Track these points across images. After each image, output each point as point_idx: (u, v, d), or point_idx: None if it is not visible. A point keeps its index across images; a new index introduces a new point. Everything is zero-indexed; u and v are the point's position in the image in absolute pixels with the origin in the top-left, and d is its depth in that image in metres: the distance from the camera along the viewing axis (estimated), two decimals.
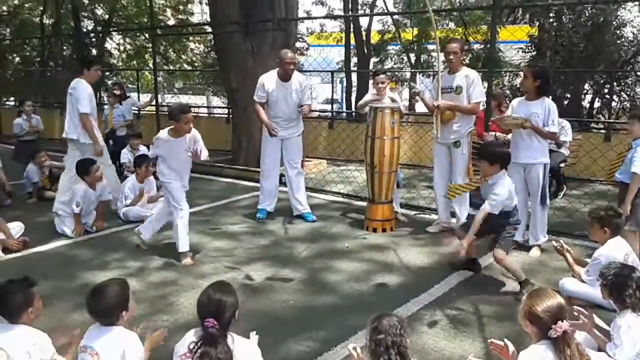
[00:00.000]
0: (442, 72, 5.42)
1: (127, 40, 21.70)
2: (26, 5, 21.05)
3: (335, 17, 21.93)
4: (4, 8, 20.04)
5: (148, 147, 8.42)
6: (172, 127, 4.82)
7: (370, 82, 6.41)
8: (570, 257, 4.11)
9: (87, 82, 6.01)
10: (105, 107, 9.11)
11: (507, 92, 13.01)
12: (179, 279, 4.54)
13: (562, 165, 7.21)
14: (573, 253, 4.18)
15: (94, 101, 6.11)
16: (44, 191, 7.21)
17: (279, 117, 6.01)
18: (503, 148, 4.44)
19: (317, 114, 14.27)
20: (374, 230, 5.75)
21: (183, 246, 4.94)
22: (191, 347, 2.41)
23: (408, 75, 19.45)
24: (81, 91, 5.92)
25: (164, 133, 4.87)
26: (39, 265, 4.90)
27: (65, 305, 4.01)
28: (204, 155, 4.97)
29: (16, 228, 5.39)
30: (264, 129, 6.07)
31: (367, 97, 6.18)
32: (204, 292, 2.56)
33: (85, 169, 5.72)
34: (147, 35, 18.60)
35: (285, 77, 5.92)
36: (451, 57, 5.31)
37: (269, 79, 5.98)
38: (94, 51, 19.84)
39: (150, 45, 16.74)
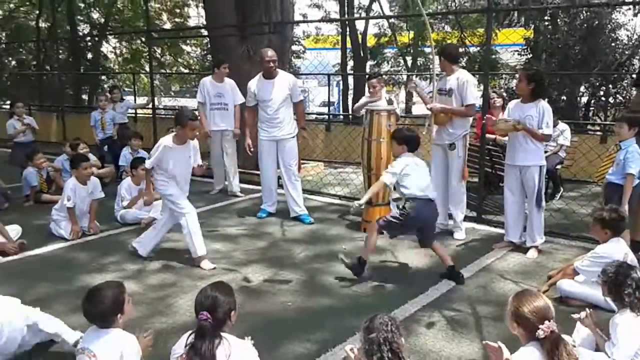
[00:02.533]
0: (438, 74, 5.45)
1: (124, 43, 21.71)
2: (22, 9, 21.05)
3: (331, 21, 22.05)
4: (0, 12, 20.03)
5: (148, 151, 8.47)
6: (175, 133, 4.68)
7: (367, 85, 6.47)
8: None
9: None
10: (95, 112, 9.03)
11: (504, 94, 13.06)
12: (177, 281, 4.54)
13: (558, 167, 7.24)
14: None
15: None
16: (42, 194, 7.19)
17: (269, 115, 6.04)
18: (414, 133, 4.66)
19: (314, 116, 14.30)
20: None
21: (200, 249, 4.81)
22: (187, 345, 2.43)
23: (405, 77, 19.51)
24: None
25: (167, 139, 4.68)
26: (36, 268, 4.90)
27: (63, 307, 3.99)
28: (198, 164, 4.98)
29: (14, 231, 5.38)
30: (259, 131, 6.14)
31: (363, 99, 6.24)
32: (202, 290, 2.58)
33: (76, 163, 5.81)
34: (143, 38, 18.60)
35: (268, 75, 6.02)
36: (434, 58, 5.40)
37: (254, 82, 6.15)
38: (89, 55, 19.86)
39: (146, 48, 16.78)
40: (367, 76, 7.48)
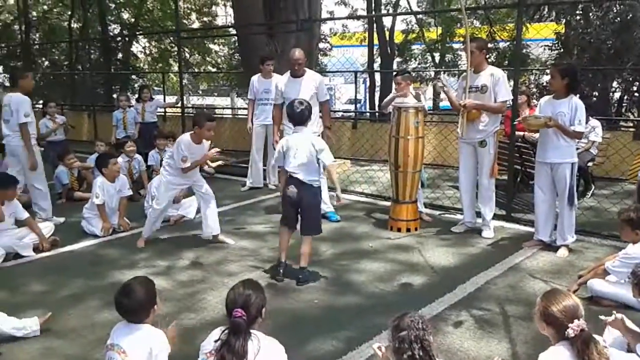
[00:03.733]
0: (468, 70, 5.38)
1: (153, 43, 22.00)
2: (55, 10, 21.51)
3: (358, 18, 21.90)
4: (34, 13, 20.48)
5: None
6: (193, 132, 5.05)
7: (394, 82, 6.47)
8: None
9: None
10: (117, 111, 9.16)
11: (534, 90, 12.85)
12: (205, 278, 4.59)
13: (590, 164, 7.10)
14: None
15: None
16: (73, 192, 7.36)
17: None
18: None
19: (340, 114, 14.29)
20: (399, 230, 5.74)
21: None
22: (217, 342, 2.45)
23: (432, 74, 19.34)
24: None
25: (186, 137, 5.05)
26: (69, 264, 5.02)
27: (95, 303, 4.09)
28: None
29: (47, 228, 5.51)
30: (285, 129, 6.17)
31: (390, 96, 6.22)
32: (234, 287, 2.59)
33: (103, 161, 5.94)
34: (172, 38, 18.82)
35: (295, 74, 6.08)
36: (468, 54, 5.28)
37: (282, 80, 6.25)
38: (119, 54, 20.17)
39: (175, 48, 16.97)
40: (394, 73, 7.46)
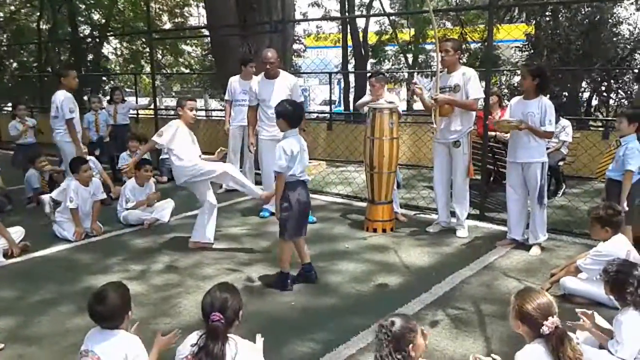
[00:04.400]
0: (440, 71, 5.43)
1: (124, 44, 21.72)
2: (22, 10, 21.07)
3: (332, 19, 22.01)
4: (1, 14, 20.05)
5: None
6: (181, 116, 5.21)
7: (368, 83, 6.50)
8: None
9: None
10: (88, 113, 9.04)
11: (505, 90, 13.05)
12: (181, 281, 4.54)
13: (560, 163, 7.23)
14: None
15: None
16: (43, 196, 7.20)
17: (270, 115, 6.07)
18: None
19: (315, 115, 14.29)
20: (374, 230, 5.77)
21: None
22: (193, 347, 2.43)
23: (406, 75, 19.47)
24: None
25: (174, 121, 5.18)
26: (40, 269, 4.91)
27: (67, 308, 4.01)
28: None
29: (17, 233, 5.38)
30: (260, 130, 6.18)
31: (365, 98, 6.25)
32: (210, 291, 2.57)
33: (75, 166, 5.88)
34: (144, 39, 18.61)
35: (268, 75, 6.06)
36: (442, 54, 5.33)
37: (255, 81, 6.22)
38: (90, 56, 19.85)
39: (147, 49, 16.78)
40: (368, 74, 7.50)
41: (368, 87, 6.44)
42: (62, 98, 6.61)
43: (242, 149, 7.59)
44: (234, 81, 7.61)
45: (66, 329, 3.70)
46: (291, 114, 4.26)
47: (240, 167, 7.78)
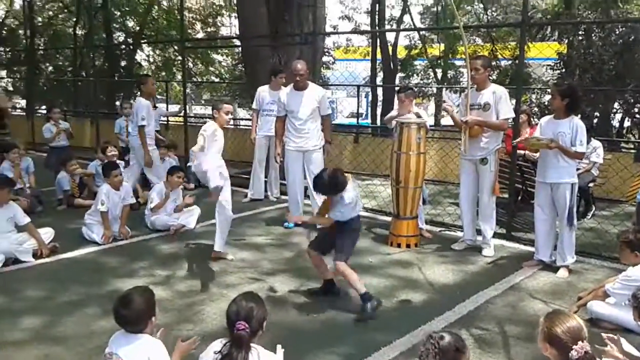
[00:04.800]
0: (470, 88, 5.41)
1: (157, 52, 22.10)
2: (60, 16, 21.62)
3: (361, 32, 22.08)
4: (39, 19, 20.59)
5: (179, 158, 8.62)
6: (216, 118, 5.14)
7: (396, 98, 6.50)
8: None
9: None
10: (120, 119, 9.12)
11: (536, 109, 12.90)
12: (205, 288, 4.58)
13: (590, 185, 7.11)
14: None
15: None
16: (74, 199, 7.35)
17: (297, 126, 6.11)
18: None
19: (342, 128, 14.30)
20: (399, 245, 5.74)
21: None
22: (217, 355, 2.44)
23: (434, 90, 19.41)
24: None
25: (209, 123, 5.13)
26: (68, 270, 5.00)
27: (93, 310, 4.07)
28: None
29: (47, 234, 5.49)
30: (287, 141, 6.21)
31: (393, 112, 6.25)
32: (235, 299, 2.58)
33: (106, 172, 6.06)
34: (176, 47, 18.90)
35: (297, 87, 6.09)
36: (472, 72, 5.31)
37: (284, 92, 6.25)
38: (123, 62, 20.24)
39: (178, 57, 17.03)
40: (396, 88, 7.50)
41: (396, 101, 6.44)
42: (138, 105, 6.95)
43: (268, 159, 7.63)
44: (263, 91, 7.64)
45: (91, 331, 3.76)
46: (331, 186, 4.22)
47: (265, 177, 7.84)
